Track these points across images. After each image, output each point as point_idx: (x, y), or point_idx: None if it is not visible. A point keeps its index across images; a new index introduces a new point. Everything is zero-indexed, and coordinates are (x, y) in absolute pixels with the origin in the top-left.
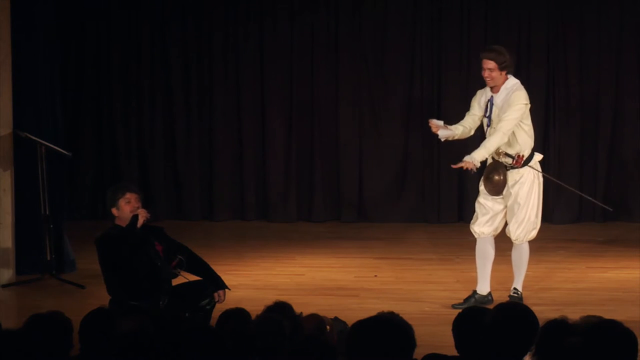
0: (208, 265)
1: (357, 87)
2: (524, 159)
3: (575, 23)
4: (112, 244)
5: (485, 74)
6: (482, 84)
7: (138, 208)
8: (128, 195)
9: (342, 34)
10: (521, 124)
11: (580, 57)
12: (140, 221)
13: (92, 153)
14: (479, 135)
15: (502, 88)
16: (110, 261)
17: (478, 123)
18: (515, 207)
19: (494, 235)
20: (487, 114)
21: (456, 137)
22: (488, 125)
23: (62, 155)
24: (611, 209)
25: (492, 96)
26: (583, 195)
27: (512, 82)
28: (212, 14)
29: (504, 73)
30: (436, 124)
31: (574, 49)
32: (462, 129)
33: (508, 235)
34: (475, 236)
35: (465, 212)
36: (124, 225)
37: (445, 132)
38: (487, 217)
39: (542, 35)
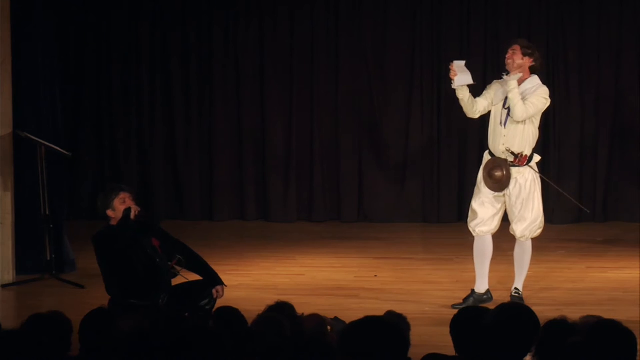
0: (205, 262)
1: (357, 87)
2: (527, 158)
3: (575, 22)
4: (109, 239)
5: (508, 54)
6: (481, 83)
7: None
8: (122, 194)
9: (342, 34)
10: (534, 119)
11: (580, 56)
12: (132, 214)
13: (92, 153)
14: (482, 135)
15: (527, 81)
16: (108, 257)
17: (484, 111)
18: (519, 206)
19: (492, 233)
20: (507, 106)
21: (469, 103)
22: (507, 117)
23: (62, 155)
24: (588, 211)
25: None
26: (579, 203)
27: (536, 79)
28: (212, 13)
29: (526, 59)
30: (457, 66)
31: (574, 48)
32: (480, 104)
33: (512, 233)
34: (474, 234)
35: (465, 212)
36: None
37: (463, 77)
38: (487, 215)
39: (542, 34)
